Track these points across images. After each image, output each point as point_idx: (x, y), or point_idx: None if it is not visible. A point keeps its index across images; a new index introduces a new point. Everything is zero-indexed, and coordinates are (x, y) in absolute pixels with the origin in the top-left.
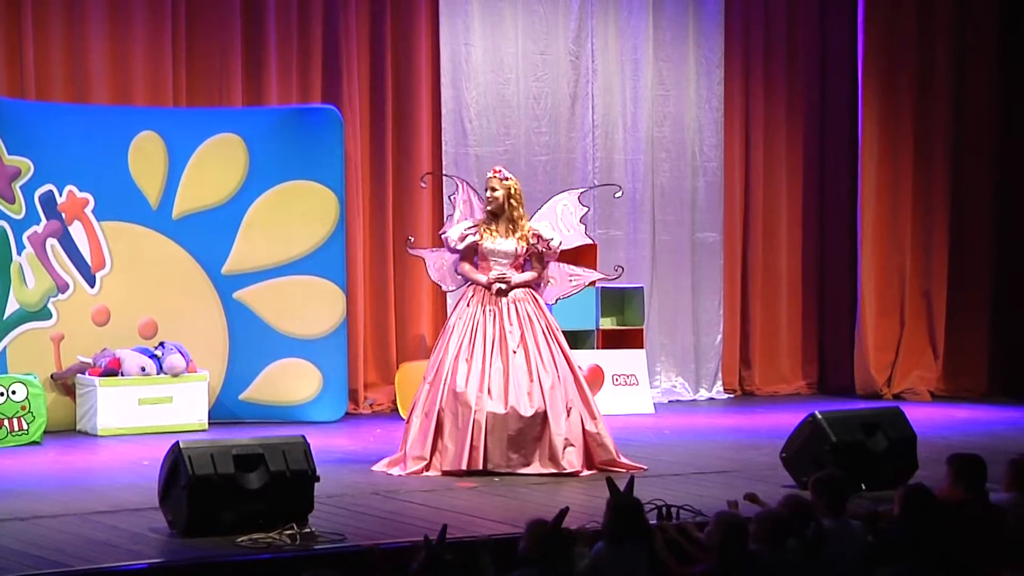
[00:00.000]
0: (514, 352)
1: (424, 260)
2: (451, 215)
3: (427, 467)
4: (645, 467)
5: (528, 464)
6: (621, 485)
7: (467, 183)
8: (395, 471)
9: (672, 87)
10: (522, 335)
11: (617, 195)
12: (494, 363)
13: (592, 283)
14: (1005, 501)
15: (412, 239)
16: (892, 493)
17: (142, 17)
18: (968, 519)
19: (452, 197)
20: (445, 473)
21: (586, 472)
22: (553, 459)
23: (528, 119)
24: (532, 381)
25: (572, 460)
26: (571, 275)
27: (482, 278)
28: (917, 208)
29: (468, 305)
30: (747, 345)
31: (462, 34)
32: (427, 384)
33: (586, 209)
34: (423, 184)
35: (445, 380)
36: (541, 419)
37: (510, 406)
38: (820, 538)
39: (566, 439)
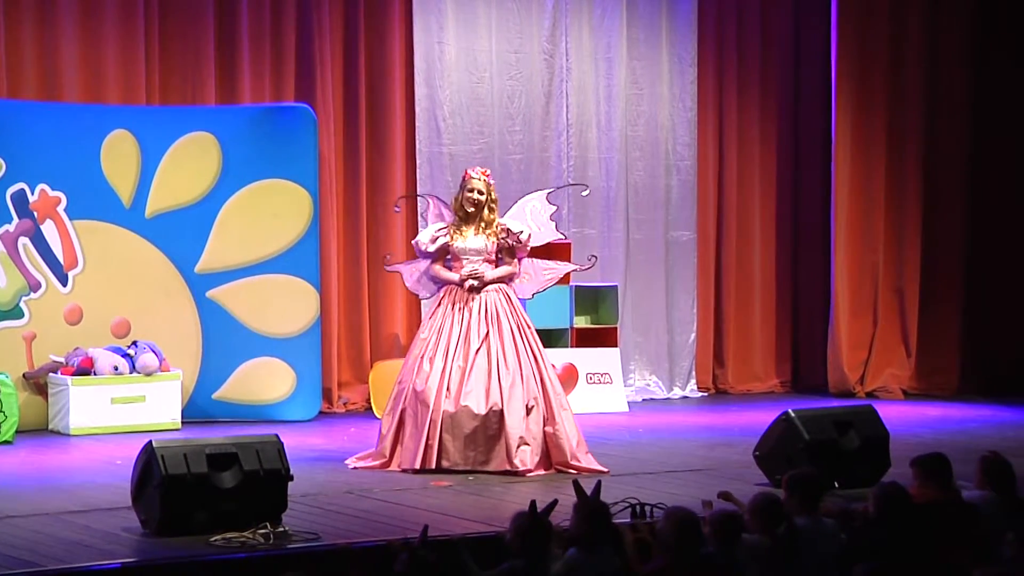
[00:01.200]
0: (476, 351)
1: (401, 274)
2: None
3: (386, 464)
4: (606, 469)
5: (487, 462)
6: (589, 487)
7: (437, 198)
8: (351, 462)
9: (646, 86)
10: (487, 333)
11: (584, 193)
12: (455, 361)
13: (568, 275)
14: (976, 498)
15: (389, 256)
16: (865, 491)
17: (114, 15)
18: (944, 517)
19: (424, 214)
20: (403, 471)
21: (541, 472)
22: (508, 458)
23: (502, 118)
24: (491, 379)
25: (524, 459)
26: (545, 268)
27: (454, 276)
28: (890, 206)
29: (439, 305)
30: (721, 344)
31: (436, 32)
32: (397, 383)
33: (555, 207)
34: (397, 209)
35: (409, 378)
36: (497, 417)
37: (463, 404)
38: (792, 536)
39: (521, 437)
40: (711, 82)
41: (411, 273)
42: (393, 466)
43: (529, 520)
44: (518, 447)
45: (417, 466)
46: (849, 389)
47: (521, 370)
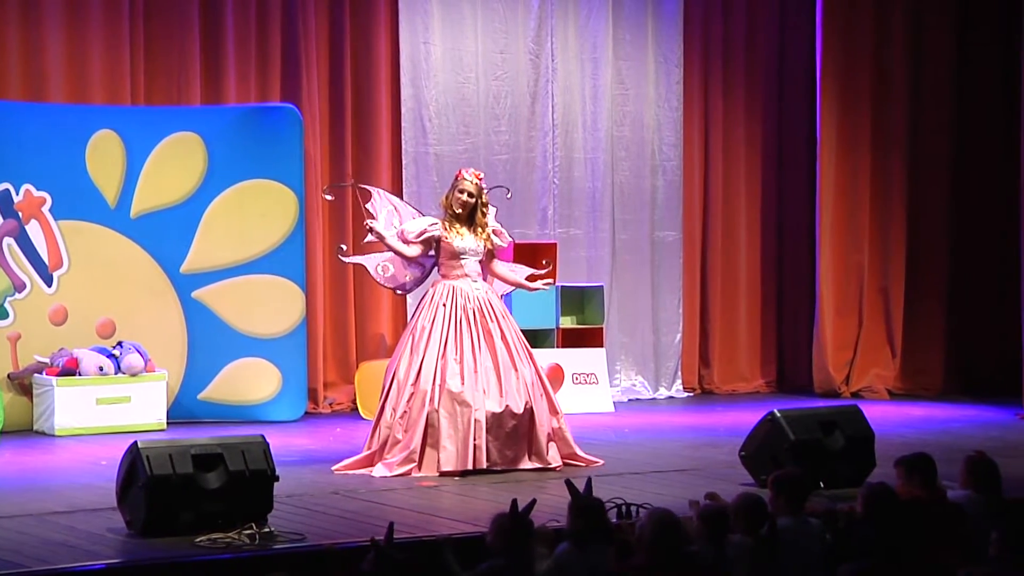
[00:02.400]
0: (497, 349)
1: (365, 268)
2: (376, 222)
3: (417, 468)
4: (602, 461)
5: (519, 461)
6: (579, 485)
7: (381, 192)
8: (378, 472)
9: (632, 86)
10: (502, 332)
11: (508, 196)
12: (484, 361)
13: (529, 277)
14: (961, 498)
15: (344, 247)
16: (851, 491)
17: (100, 15)
18: (931, 517)
19: (372, 206)
20: (444, 473)
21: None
22: (539, 454)
23: (488, 118)
24: (518, 378)
25: (555, 455)
26: (510, 269)
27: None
28: (875, 207)
29: (443, 305)
30: (706, 344)
31: (421, 33)
32: (408, 386)
33: (495, 209)
34: (327, 196)
35: (435, 381)
36: (530, 414)
37: (505, 404)
38: (774, 536)
39: (548, 433)
40: (697, 82)
41: (378, 267)
42: (424, 471)
43: (510, 520)
44: (548, 443)
45: (470, 466)
46: (834, 389)
47: (528, 367)
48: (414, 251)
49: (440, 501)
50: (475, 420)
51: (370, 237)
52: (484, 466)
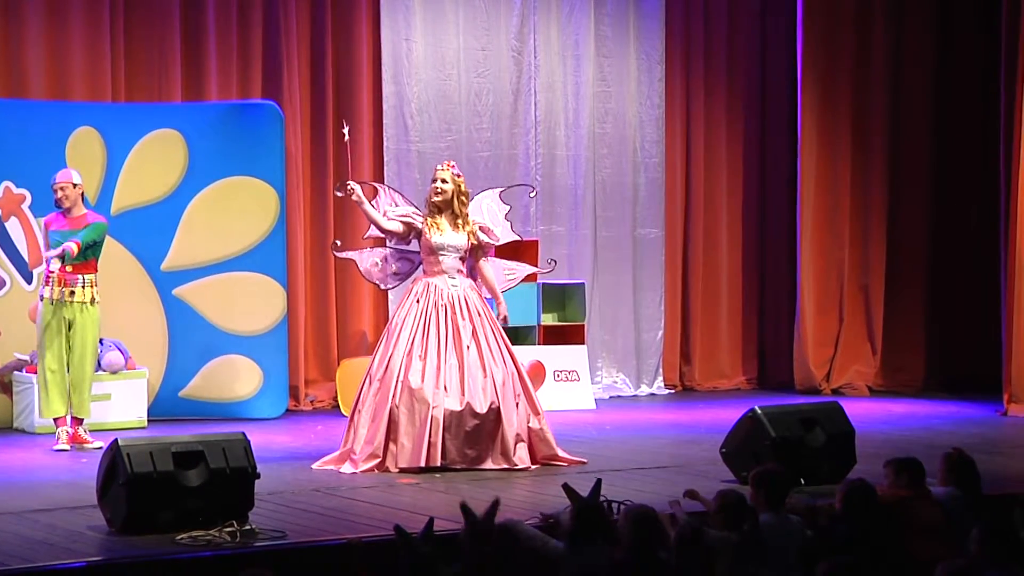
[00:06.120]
0: (467, 347)
1: (356, 263)
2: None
3: (381, 465)
4: (585, 460)
5: (483, 461)
6: (570, 483)
7: (387, 189)
8: (345, 468)
9: (614, 84)
10: (474, 330)
11: (531, 195)
12: (448, 359)
13: (527, 277)
14: (941, 495)
15: (339, 243)
16: (831, 488)
17: (80, 11)
18: (910, 514)
19: (375, 202)
20: (402, 470)
21: (532, 467)
22: (505, 455)
23: (470, 115)
24: (486, 376)
25: (523, 456)
26: (506, 269)
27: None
28: (855, 204)
29: (417, 301)
30: (688, 341)
31: (403, 30)
32: (376, 381)
33: (508, 207)
34: (345, 135)
35: (398, 377)
36: (495, 415)
37: (466, 402)
38: (755, 533)
39: (517, 434)
40: (679, 80)
41: (367, 262)
42: (388, 466)
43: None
44: (516, 444)
45: (423, 464)
46: (815, 386)
47: (506, 366)
48: (393, 226)
49: (421, 499)
50: (432, 417)
51: (342, 194)
52: (438, 463)
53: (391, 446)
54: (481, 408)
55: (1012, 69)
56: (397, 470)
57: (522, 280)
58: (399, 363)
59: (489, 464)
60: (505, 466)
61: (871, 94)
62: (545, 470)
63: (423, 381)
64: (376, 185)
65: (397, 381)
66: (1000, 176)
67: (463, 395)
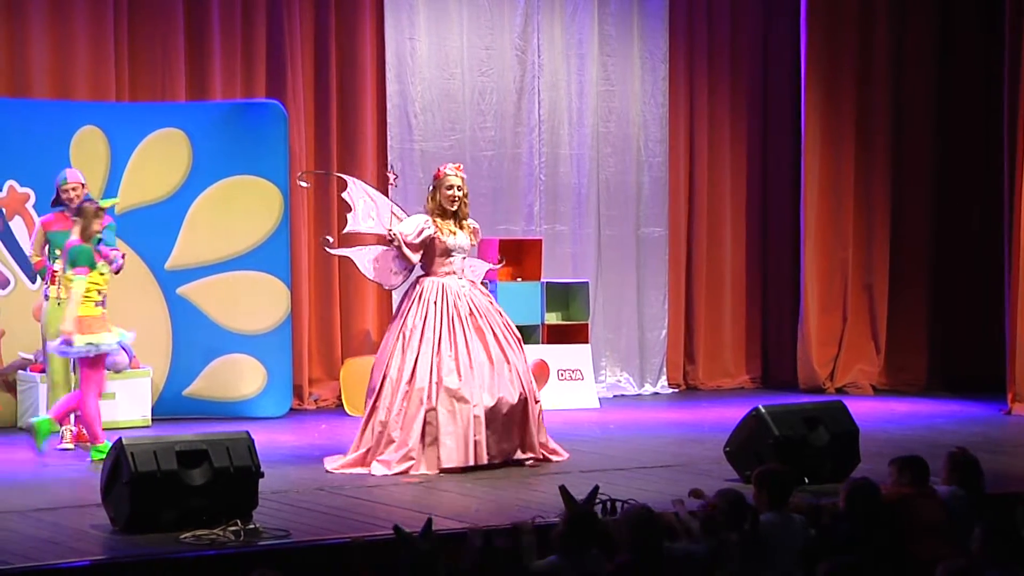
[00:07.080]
0: (490, 343)
1: (352, 261)
2: (353, 212)
3: (416, 467)
4: (567, 455)
5: (513, 453)
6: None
7: (357, 182)
8: (377, 470)
9: (617, 82)
10: (491, 325)
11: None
12: (477, 356)
13: (488, 273)
14: (944, 494)
15: (331, 239)
16: (835, 487)
17: (84, 10)
18: (913, 513)
19: (348, 195)
20: (444, 470)
21: (565, 456)
22: (530, 446)
23: (474, 114)
24: (511, 369)
25: (554, 447)
26: (470, 267)
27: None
28: (859, 204)
29: (434, 303)
30: (691, 340)
31: (407, 29)
32: (403, 384)
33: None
34: (302, 183)
35: (431, 379)
36: (523, 404)
37: (498, 396)
38: (756, 532)
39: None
40: (682, 79)
41: (367, 260)
42: (423, 468)
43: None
44: (538, 433)
45: (471, 462)
46: (819, 385)
47: (519, 358)
48: (419, 256)
49: (424, 498)
50: (474, 416)
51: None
52: (484, 461)
53: (427, 448)
54: (512, 399)
55: (1015, 68)
56: (438, 471)
57: (483, 278)
58: (429, 365)
59: (518, 455)
60: (531, 456)
61: (874, 93)
62: (554, 468)
63: (460, 380)
64: (344, 177)
65: (431, 383)
66: (1003, 175)
67: (495, 389)
